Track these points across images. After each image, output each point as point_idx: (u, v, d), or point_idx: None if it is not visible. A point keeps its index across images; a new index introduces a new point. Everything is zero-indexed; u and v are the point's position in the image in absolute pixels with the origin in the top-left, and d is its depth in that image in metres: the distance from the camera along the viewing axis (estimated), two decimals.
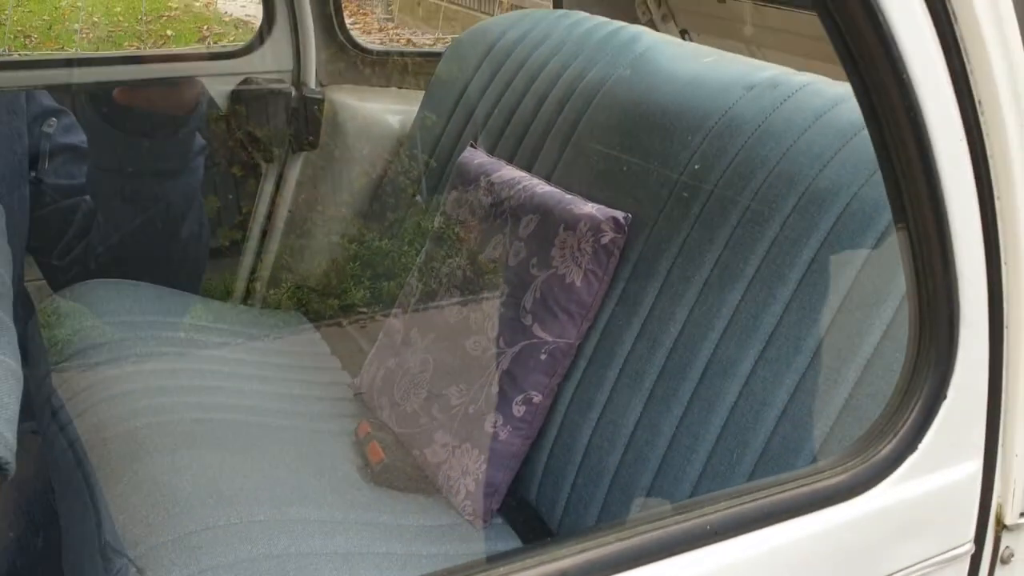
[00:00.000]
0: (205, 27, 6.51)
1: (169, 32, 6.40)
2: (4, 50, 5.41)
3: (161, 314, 1.87)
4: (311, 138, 2.11)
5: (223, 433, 1.53)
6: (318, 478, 1.50)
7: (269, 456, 1.52)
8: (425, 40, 6.37)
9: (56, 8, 6.33)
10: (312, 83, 2.12)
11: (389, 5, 7.22)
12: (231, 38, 6.39)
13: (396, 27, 6.94)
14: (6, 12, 6.33)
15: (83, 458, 1.45)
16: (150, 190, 1.82)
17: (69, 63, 2.00)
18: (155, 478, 1.37)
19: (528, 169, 1.70)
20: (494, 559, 0.66)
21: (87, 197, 1.87)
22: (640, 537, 0.69)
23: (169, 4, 6.98)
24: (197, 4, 7.15)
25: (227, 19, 6.78)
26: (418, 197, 2.04)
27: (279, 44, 2.08)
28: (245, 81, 2.06)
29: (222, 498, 1.35)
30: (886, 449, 0.77)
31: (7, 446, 0.68)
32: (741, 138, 1.39)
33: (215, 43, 6.17)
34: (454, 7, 6.47)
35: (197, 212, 1.90)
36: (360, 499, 1.47)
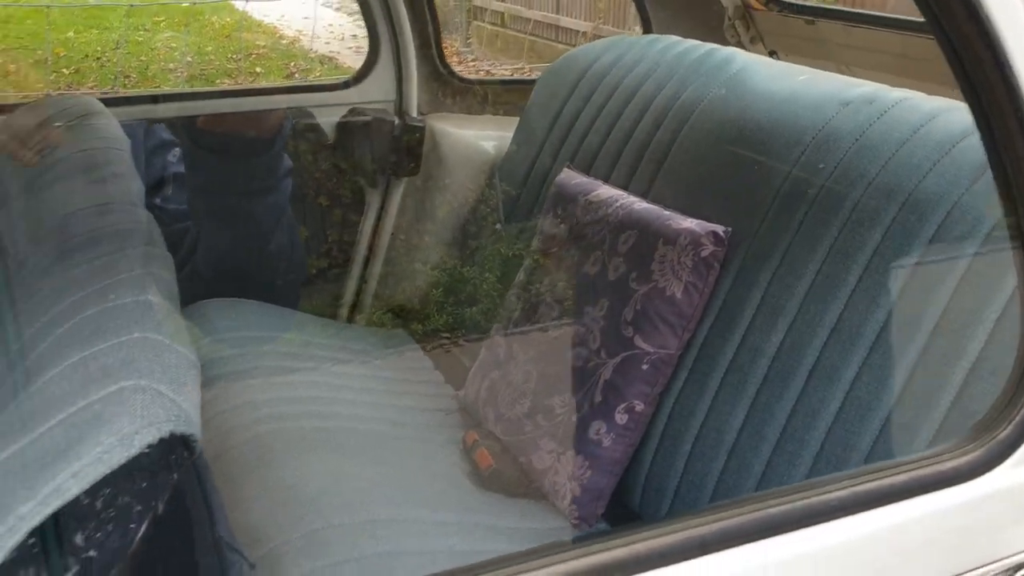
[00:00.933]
0: (292, 63, 6.76)
1: (258, 69, 6.65)
2: (109, 88, 5.70)
3: (273, 331, 1.98)
4: (412, 164, 2.21)
5: (341, 440, 1.62)
6: (431, 482, 1.57)
7: (384, 461, 1.60)
8: (503, 72, 6.51)
9: (152, 49, 6.64)
10: (413, 112, 2.23)
11: (468, 38, 7.38)
12: (317, 73, 6.62)
13: (475, 59, 7.10)
14: (106, 54, 6.68)
15: (209, 464, 1.54)
16: (240, 208, 1.94)
17: (190, 97, 2.14)
18: (282, 480, 1.46)
19: (624, 188, 1.76)
20: (646, 525, 0.72)
21: None
22: (768, 511, 0.74)
23: (257, 43, 7.27)
24: (284, 42, 7.43)
25: (312, 56, 7.03)
26: (498, 226, 2.12)
27: (383, 76, 2.19)
28: (351, 111, 2.18)
29: (345, 499, 1.44)
30: (1003, 434, 0.80)
31: (195, 426, 0.77)
32: (839, 152, 1.43)
33: (302, 79, 6.39)
34: (533, 38, 6.60)
35: (287, 229, 2.01)
36: (472, 502, 1.54)
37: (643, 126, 1.80)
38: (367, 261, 2.27)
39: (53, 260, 0.99)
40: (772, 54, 2.26)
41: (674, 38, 1.95)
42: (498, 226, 2.17)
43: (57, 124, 1.47)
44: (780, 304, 1.42)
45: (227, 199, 1.95)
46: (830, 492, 0.76)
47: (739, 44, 2.23)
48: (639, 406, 1.53)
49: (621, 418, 1.53)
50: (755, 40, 2.24)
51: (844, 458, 1.28)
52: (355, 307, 2.25)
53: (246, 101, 2.09)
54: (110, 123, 1.48)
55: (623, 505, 1.58)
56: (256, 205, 1.95)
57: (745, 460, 1.40)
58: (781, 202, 1.47)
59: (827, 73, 1.69)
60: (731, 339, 1.46)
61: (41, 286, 0.96)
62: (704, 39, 1.93)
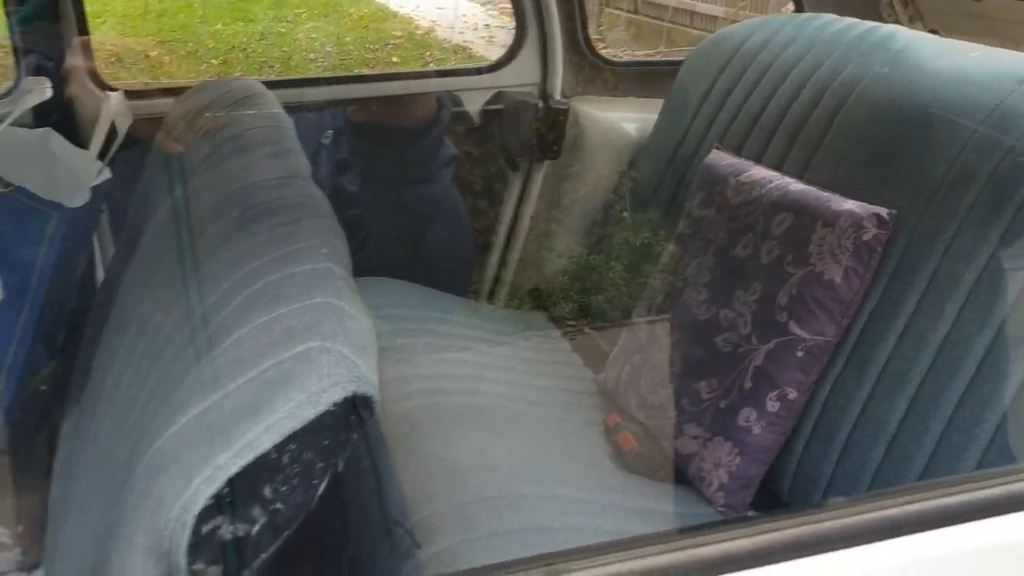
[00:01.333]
0: (427, 53, 6.87)
1: (395, 59, 6.79)
2: (254, 79, 5.91)
3: (419, 309, 2.02)
4: (555, 147, 2.21)
5: (486, 417, 1.64)
6: (574, 461, 1.58)
7: (527, 440, 1.61)
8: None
9: (294, 40, 6.87)
10: (557, 94, 2.23)
11: (600, 26, 7.33)
12: (451, 63, 6.70)
13: (605, 46, 7.05)
14: (251, 45, 6.95)
15: (366, 434, 1.58)
16: (393, 197, 1.96)
17: (341, 81, 2.20)
18: (431, 452, 1.49)
19: (777, 169, 1.71)
20: (826, 505, 0.70)
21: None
22: (941, 501, 0.71)
23: (393, 33, 7.42)
24: (419, 32, 7.56)
25: (447, 46, 7.13)
26: (625, 214, 2.10)
27: (528, 59, 2.20)
28: (496, 95, 2.20)
29: (492, 472, 1.46)
30: None
31: (375, 389, 0.79)
32: (1016, 131, 1.35)
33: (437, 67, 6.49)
34: (667, 25, 6.50)
35: (450, 219, 2.02)
36: (616, 483, 1.54)
37: (798, 105, 1.75)
38: (507, 244, 2.28)
39: (232, 230, 1.04)
40: (933, 33, 2.15)
41: (831, 16, 1.89)
42: (625, 214, 2.15)
43: (215, 110, 1.53)
44: (948, 291, 1.35)
45: (382, 187, 1.98)
46: (1008, 484, 0.72)
47: (896, 24, 2.14)
48: (792, 394, 1.49)
49: (772, 406, 1.50)
50: (915, 19, 2.14)
51: (1018, 452, 1.22)
52: (495, 289, 2.27)
53: (395, 85, 2.13)
54: (273, 103, 1.54)
55: (771, 493, 1.54)
56: (408, 194, 1.96)
57: (907, 452, 1.35)
58: (950, 184, 1.40)
59: (1000, 50, 1.59)
60: (894, 326, 1.40)
61: (222, 254, 1.01)
62: (858, 18, 1.85)
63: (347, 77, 2.32)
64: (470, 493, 1.40)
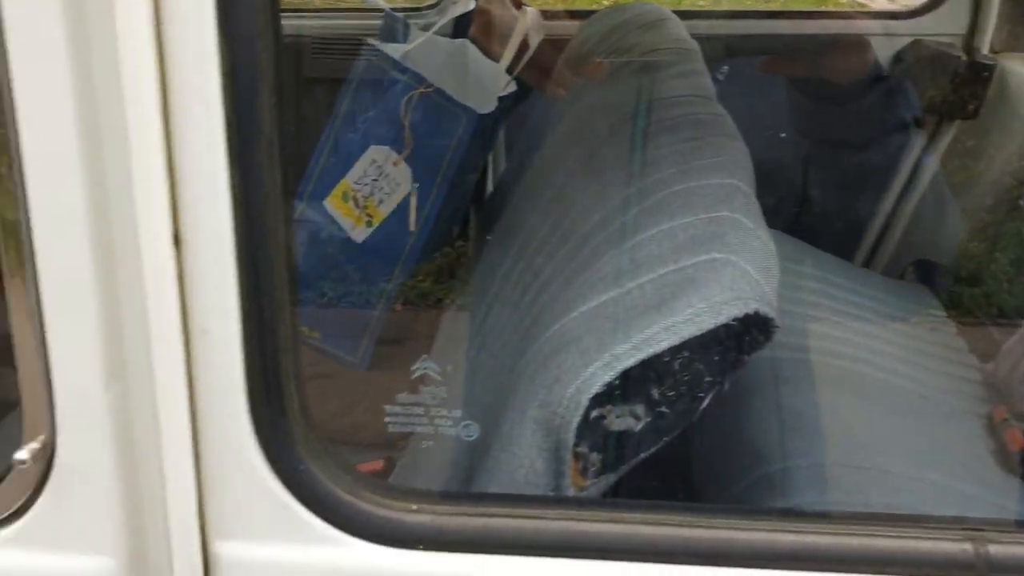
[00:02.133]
0: (822, 7, 6.50)
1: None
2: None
3: (800, 264, 1.93)
4: (972, 107, 1.98)
5: (855, 382, 1.54)
6: (949, 449, 1.43)
7: (899, 416, 1.49)
8: None
9: None
10: (985, 48, 1.99)
11: None
12: None
13: None
14: None
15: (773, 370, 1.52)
16: (822, 157, 1.81)
17: (738, 16, 2.13)
18: (791, 406, 1.42)
19: None
20: None
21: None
22: None
23: None
24: None
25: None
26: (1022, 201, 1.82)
27: (955, 6, 1.98)
28: (913, 43, 2.01)
29: (855, 441, 1.36)
30: None
31: (775, 310, 0.75)
32: None
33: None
34: None
35: (879, 191, 1.83)
36: (995, 482, 1.37)
37: None
38: (897, 204, 2.10)
39: (639, 141, 1.04)
40: None
41: None
42: (1022, 201, 1.88)
43: (626, 30, 1.54)
44: None
45: (815, 145, 1.85)
46: None
47: None
48: None
49: None
50: None
51: None
52: (875, 251, 2.10)
53: (803, 24, 2.02)
54: (680, 28, 1.52)
55: None
56: (848, 158, 1.80)
57: None
58: None
59: None
60: None
61: (626, 163, 1.01)
62: None
63: (748, 12, 2.23)
64: (828, 455, 1.31)
